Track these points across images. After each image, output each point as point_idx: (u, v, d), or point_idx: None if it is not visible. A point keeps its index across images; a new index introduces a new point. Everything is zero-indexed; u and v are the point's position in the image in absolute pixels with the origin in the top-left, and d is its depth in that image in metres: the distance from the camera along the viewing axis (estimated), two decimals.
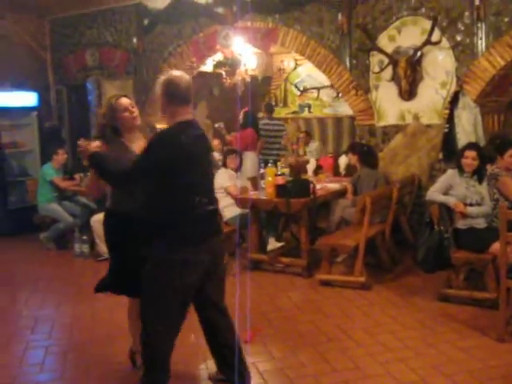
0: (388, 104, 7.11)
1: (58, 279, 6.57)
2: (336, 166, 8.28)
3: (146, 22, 9.07)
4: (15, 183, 8.97)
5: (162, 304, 3.26)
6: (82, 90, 9.75)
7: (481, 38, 6.37)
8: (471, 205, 5.19)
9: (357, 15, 7.16)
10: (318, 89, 10.92)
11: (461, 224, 5.22)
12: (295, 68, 11.14)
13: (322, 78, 10.20)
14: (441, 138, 6.71)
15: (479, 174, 5.26)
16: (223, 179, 6.53)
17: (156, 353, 3.31)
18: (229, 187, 6.54)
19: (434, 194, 5.37)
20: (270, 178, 6.13)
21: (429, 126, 6.84)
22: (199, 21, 8.49)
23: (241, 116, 8.60)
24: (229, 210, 6.57)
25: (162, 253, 3.23)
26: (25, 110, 9.05)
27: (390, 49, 6.95)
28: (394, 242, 6.45)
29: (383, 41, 7.00)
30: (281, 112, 11.27)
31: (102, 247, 7.05)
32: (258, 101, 10.86)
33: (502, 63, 6.26)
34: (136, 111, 3.80)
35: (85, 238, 7.34)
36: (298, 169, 6.90)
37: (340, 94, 9.24)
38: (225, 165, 6.89)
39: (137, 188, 3.53)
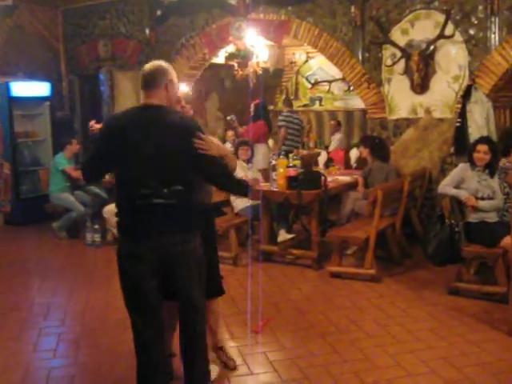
0: (400, 97, 7.10)
1: (70, 268, 6.63)
2: (347, 159, 8.30)
3: (158, 13, 9.08)
4: (27, 173, 9.03)
5: (123, 293, 3.24)
6: (94, 80, 9.79)
7: (494, 33, 6.35)
8: (483, 199, 5.19)
9: (370, 8, 7.14)
10: (330, 82, 10.92)
11: (472, 218, 5.23)
12: (307, 61, 11.15)
13: (333, 71, 10.23)
14: (452, 132, 6.70)
15: (491, 167, 5.26)
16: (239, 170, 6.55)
17: (136, 340, 3.26)
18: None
19: (445, 187, 5.38)
20: (281, 170, 6.15)
21: (441, 119, 6.83)
22: (212, 12, 8.49)
23: (252, 108, 8.64)
24: (240, 201, 6.60)
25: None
26: (37, 100, 9.10)
27: (402, 42, 6.94)
28: (404, 235, 6.47)
29: (396, 34, 6.99)
30: (292, 105, 11.26)
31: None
32: (270, 93, 10.88)
33: None
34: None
35: (96, 227, 7.39)
36: (310, 161, 6.92)
37: (351, 87, 9.24)
38: (236, 156, 6.91)
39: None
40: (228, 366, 3.91)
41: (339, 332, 4.49)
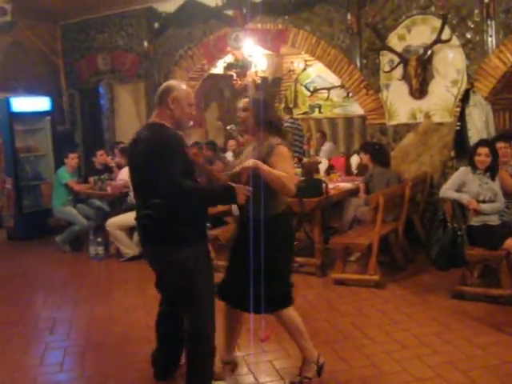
0: (399, 103, 7.13)
1: (74, 281, 6.64)
2: (348, 166, 8.31)
3: (156, 25, 9.15)
4: (29, 187, 9.06)
5: None
6: (94, 93, 9.86)
7: (491, 36, 6.38)
8: (484, 202, 5.19)
9: (366, 15, 7.18)
10: (328, 89, 10.95)
11: (474, 221, 5.23)
12: (305, 69, 11.18)
13: (332, 79, 10.26)
14: (452, 135, 6.72)
15: (492, 170, 5.26)
16: None
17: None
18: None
19: (447, 191, 5.38)
20: None
21: (440, 124, 6.85)
22: (209, 23, 8.55)
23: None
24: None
25: None
26: (38, 115, 9.14)
27: (400, 48, 6.97)
28: (406, 240, 6.47)
29: (393, 40, 7.02)
30: (292, 112, 11.30)
31: (124, 249, 7.14)
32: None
33: None
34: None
35: (99, 240, 7.40)
36: (311, 168, 6.92)
37: (350, 94, 9.27)
38: None
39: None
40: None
41: (344, 339, 4.49)
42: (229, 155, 8.51)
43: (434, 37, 6.67)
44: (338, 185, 6.93)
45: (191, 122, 3.74)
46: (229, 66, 9.22)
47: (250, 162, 3.39)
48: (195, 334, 3.42)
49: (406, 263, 6.27)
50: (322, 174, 7.56)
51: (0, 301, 5.90)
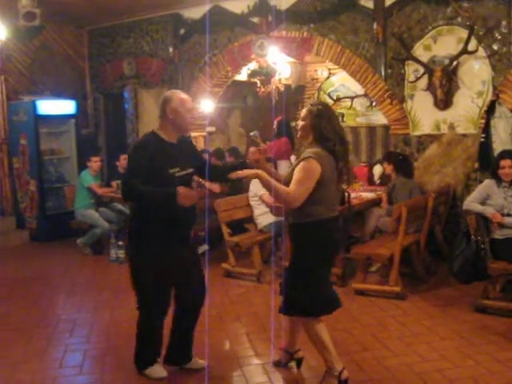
0: (423, 113, 7.09)
1: (95, 284, 6.68)
2: (370, 175, 8.26)
3: (182, 31, 9.20)
4: (53, 189, 9.15)
5: None
6: (118, 98, 9.93)
7: None
8: (509, 215, 5.15)
9: (392, 24, 7.16)
10: (352, 98, 10.91)
11: (498, 234, 5.19)
12: (328, 77, 11.15)
13: (355, 87, 10.20)
14: (477, 147, 6.67)
15: None
16: (258, 187, 6.55)
17: None
18: (263, 195, 6.57)
19: (471, 204, 5.34)
20: None
21: (464, 135, 6.80)
22: (234, 30, 8.58)
23: (275, 125, 8.68)
24: (263, 217, 6.62)
25: None
26: (63, 118, 9.24)
27: (425, 58, 6.94)
28: (428, 252, 6.41)
29: (419, 50, 6.99)
30: None
31: None
32: (292, 110, 10.91)
33: None
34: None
35: (120, 243, 7.44)
36: None
37: (374, 103, 9.24)
38: None
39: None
40: None
41: (364, 350, 4.46)
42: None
43: (459, 47, 6.63)
44: (360, 194, 6.91)
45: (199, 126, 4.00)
46: (253, 73, 9.24)
47: (253, 171, 3.61)
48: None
49: (428, 275, 6.22)
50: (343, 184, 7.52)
51: (21, 302, 5.95)
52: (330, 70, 10.86)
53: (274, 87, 9.28)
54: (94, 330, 5.12)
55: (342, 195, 6.10)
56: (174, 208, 3.53)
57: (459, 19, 6.68)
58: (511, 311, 5.02)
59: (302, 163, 3.57)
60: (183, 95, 3.81)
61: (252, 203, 6.75)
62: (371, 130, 10.77)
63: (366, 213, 6.84)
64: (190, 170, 3.88)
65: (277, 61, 8.89)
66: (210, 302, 4.40)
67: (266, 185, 3.56)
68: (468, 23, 6.55)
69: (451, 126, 6.87)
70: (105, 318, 5.43)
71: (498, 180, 5.28)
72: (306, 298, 3.68)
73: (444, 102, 6.85)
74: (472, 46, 6.54)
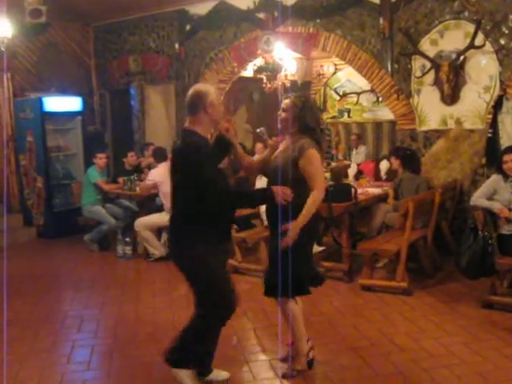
0: (430, 108, 7.05)
1: (102, 280, 6.70)
2: (377, 171, 8.24)
3: (187, 27, 9.20)
4: (60, 186, 9.18)
5: None
6: (124, 94, 9.94)
7: None
8: None
9: (399, 19, 7.12)
10: (358, 93, 10.89)
11: (505, 230, 5.16)
12: (335, 73, 11.14)
13: (361, 83, 10.20)
14: (484, 143, 6.64)
15: None
16: (264, 185, 6.55)
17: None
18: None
19: (478, 199, 5.32)
20: None
21: (471, 130, 6.76)
22: (240, 26, 8.57)
23: None
24: None
25: None
26: (69, 115, 9.26)
27: (432, 53, 6.91)
28: (435, 247, 6.40)
29: (425, 45, 6.96)
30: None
31: (152, 249, 7.20)
32: None
33: None
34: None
35: (127, 239, 7.47)
36: (339, 173, 6.89)
37: (380, 99, 9.22)
38: None
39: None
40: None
41: (371, 345, 4.45)
42: (257, 157, 8.51)
43: (467, 42, 6.59)
44: (367, 190, 6.89)
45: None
46: (259, 69, 9.22)
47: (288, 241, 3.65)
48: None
49: (435, 271, 6.20)
50: (350, 179, 7.52)
51: (28, 298, 5.98)
52: (336, 65, 10.85)
53: (280, 83, 9.26)
54: (102, 326, 5.14)
55: (349, 191, 6.09)
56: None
57: (466, 13, 6.64)
58: None
59: (307, 156, 3.72)
60: (213, 87, 3.77)
61: None
62: (378, 125, 10.76)
63: (372, 208, 6.81)
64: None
65: (283, 56, 8.87)
66: None
67: (303, 222, 3.67)
68: (475, 18, 6.51)
69: (458, 122, 6.84)
70: (112, 313, 5.45)
71: (505, 175, 5.25)
72: (301, 275, 3.78)
73: (451, 97, 6.81)
74: (479, 40, 6.50)
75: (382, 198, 6.74)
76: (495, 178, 5.36)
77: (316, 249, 6.41)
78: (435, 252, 6.38)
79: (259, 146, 8.94)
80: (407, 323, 4.90)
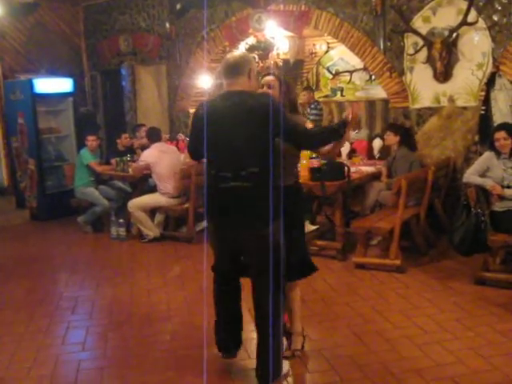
0: (423, 86, 7.03)
1: (96, 262, 6.71)
2: (370, 149, 8.23)
3: (178, 6, 9.09)
4: (52, 168, 9.13)
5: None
6: (115, 75, 9.87)
7: None
8: (508, 187, 5.14)
9: None
10: (351, 72, 10.83)
11: (498, 206, 5.18)
12: (327, 51, 11.05)
13: (354, 61, 10.12)
14: (477, 120, 6.63)
15: None
16: None
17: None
18: None
19: (470, 176, 5.33)
20: (304, 161, 6.13)
21: (464, 108, 6.75)
22: (231, 4, 8.48)
23: None
24: None
25: None
26: (60, 96, 9.18)
27: (424, 30, 6.86)
28: (428, 225, 6.42)
29: (418, 22, 6.91)
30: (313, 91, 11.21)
31: (145, 230, 7.19)
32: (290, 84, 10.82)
33: None
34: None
35: (121, 221, 7.46)
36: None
37: (373, 77, 9.18)
38: None
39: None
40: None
41: (365, 323, 4.48)
42: None
43: (459, 19, 6.54)
44: (360, 168, 6.88)
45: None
46: (251, 48, 9.14)
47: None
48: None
49: (428, 248, 6.23)
50: (343, 158, 7.51)
51: (22, 281, 5.97)
52: (328, 43, 10.77)
53: (272, 62, 9.20)
54: (96, 307, 5.15)
55: (342, 169, 6.09)
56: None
57: None
58: (511, 283, 5.03)
59: (300, 119, 3.80)
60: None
61: None
62: (371, 104, 10.71)
63: (366, 187, 6.82)
64: None
65: (275, 35, 8.81)
66: None
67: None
68: None
69: (451, 99, 6.82)
70: (107, 295, 5.46)
71: (498, 152, 5.26)
72: (306, 257, 3.87)
73: (444, 74, 6.79)
74: (472, 17, 6.46)
75: (376, 177, 6.74)
76: (488, 155, 5.37)
77: (309, 228, 6.45)
78: (428, 229, 6.40)
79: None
80: (401, 300, 4.93)
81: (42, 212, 8.84)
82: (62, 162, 9.26)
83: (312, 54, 11.12)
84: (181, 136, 8.67)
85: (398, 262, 5.62)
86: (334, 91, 11.38)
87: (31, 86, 8.61)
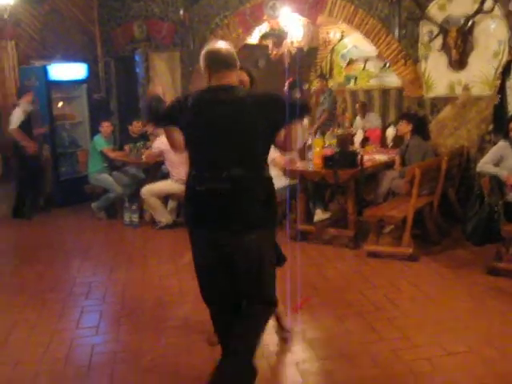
0: (437, 74, 6.98)
1: (109, 247, 6.76)
2: (383, 138, 8.20)
3: None
4: (66, 154, 9.17)
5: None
6: (129, 62, 9.85)
7: None
8: None
9: None
10: (365, 60, 10.79)
11: (511, 197, 5.16)
12: (341, 39, 11.01)
13: (368, 49, 10.08)
14: (491, 109, 6.58)
15: None
16: (271, 151, 6.54)
17: None
18: (276, 158, 6.55)
19: (484, 165, 5.31)
20: (317, 149, 6.13)
21: (479, 97, 6.70)
22: None
23: (286, 86, 8.60)
24: (277, 181, 6.59)
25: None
26: (74, 83, 9.20)
27: (440, 18, 6.81)
28: (441, 214, 6.40)
29: (433, 10, 6.85)
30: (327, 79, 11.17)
31: (158, 216, 7.23)
32: (304, 72, 10.80)
33: None
34: None
35: (134, 207, 7.50)
36: (345, 140, 6.86)
37: (387, 65, 9.13)
38: None
39: None
40: None
41: (377, 311, 4.49)
42: None
43: (475, 7, 6.49)
44: (374, 157, 6.87)
45: None
46: (265, 36, 9.12)
47: None
48: None
49: (441, 237, 6.21)
50: (356, 146, 7.50)
51: (36, 267, 6.02)
52: (342, 31, 10.72)
53: (286, 50, 9.18)
54: (109, 292, 5.20)
55: (355, 157, 6.08)
56: None
57: None
58: None
59: None
60: None
61: None
62: (384, 92, 10.67)
63: (379, 175, 6.80)
64: None
65: (289, 22, 8.76)
66: None
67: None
68: None
69: (466, 88, 6.77)
70: (120, 280, 5.50)
71: None
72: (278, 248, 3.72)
73: (459, 62, 6.74)
74: (488, 5, 6.41)
75: (389, 165, 6.73)
76: (502, 144, 5.34)
77: (321, 216, 6.46)
78: (441, 219, 6.38)
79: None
80: (412, 289, 4.93)
81: (56, 198, 8.87)
82: (76, 148, 9.29)
83: (326, 41, 11.08)
84: None
85: (410, 250, 5.61)
86: (347, 79, 11.34)
87: (46, 72, 8.63)
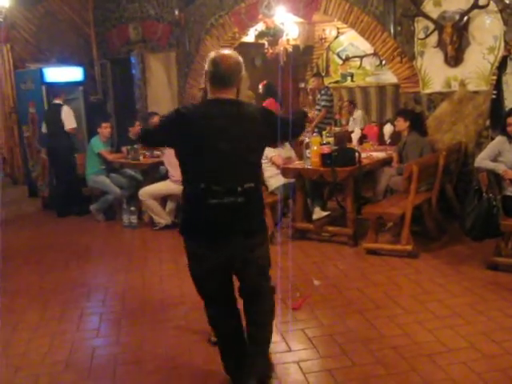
0: (433, 71, 6.98)
1: (109, 249, 6.75)
2: (381, 135, 8.21)
3: None
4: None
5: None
6: (125, 63, 9.86)
7: None
8: None
9: None
10: (361, 57, 10.79)
11: (510, 191, 5.17)
12: (337, 37, 11.01)
13: (364, 47, 10.11)
14: (488, 104, 6.58)
15: None
16: (268, 149, 6.55)
17: None
18: (273, 157, 6.57)
19: (482, 161, 5.31)
20: (315, 148, 6.13)
21: (476, 92, 6.70)
22: None
23: (260, 89, 8.71)
24: (274, 179, 6.62)
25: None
26: (71, 85, 9.19)
27: (435, 14, 6.80)
28: (440, 210, 6.40)
29: (428, 6, 6.85)
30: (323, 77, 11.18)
31: (157, 218, 7.24)
32: (300, 71, 10.80)
33: None
34: None
35: (133, 209, 7.50)
36: (343, 138, 6.86)
37: (383, 62, 9.13)
38: None
39: None
40: None
41: (377, 308, 4.50)
42: None
43: (470, 2, 6.48)
44: (371, 154, 6.87)
45: None
46: (260, 35, 9.12)
47: None
48: None
49: (440, 233, 6.22)
50: (354, 144, 7.50)
51: (36, 269, 6.03)
52: (338, 29, 10.72)
53: (281, 48, 9.18)
54: (110, 294, 5.19)
55: (353, 155, 6.08)
56: None
57: None
58: None
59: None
60: None
61: (262, 165, 6.74)
62: (381, 89, 10.68)
63: (377, 173, 6.82)
64: None
65: (284, 21, 8.77)
66: None
67: None
68: None
69: (462, 83, 6.77)
70: (120, 282, 5.50)
71: (510, 137, 5.23)
72: None
73: (455, 58, 6.73)
74: (483, 0, 6.40)
75: (387, 162, 6.73)
76: (500, 139, 5.34)
77: (320, 214, 6.46)
78: (440, 215, 6.38)
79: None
80: (412, 286, 4.94)
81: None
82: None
83: (322, 39, 11.10)
84: None
85: (409, 247, 5.62)
86: (344, 77, 11.35)
87: (42, 75, 8.63)
